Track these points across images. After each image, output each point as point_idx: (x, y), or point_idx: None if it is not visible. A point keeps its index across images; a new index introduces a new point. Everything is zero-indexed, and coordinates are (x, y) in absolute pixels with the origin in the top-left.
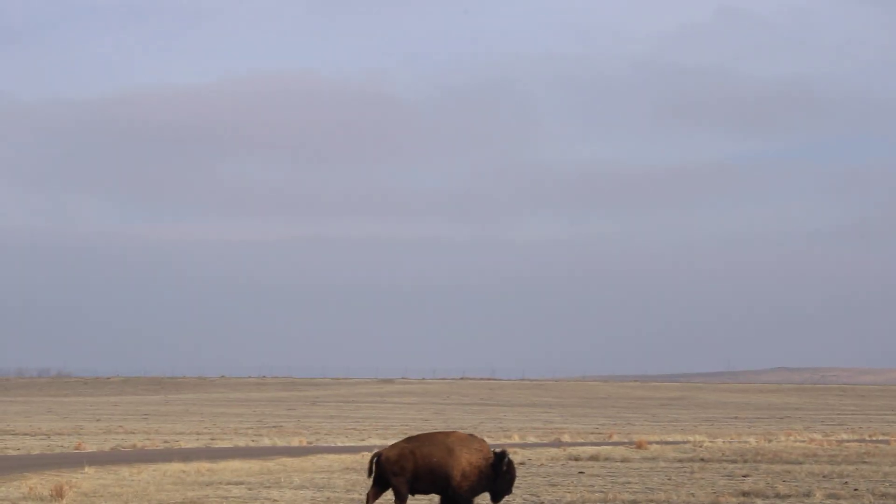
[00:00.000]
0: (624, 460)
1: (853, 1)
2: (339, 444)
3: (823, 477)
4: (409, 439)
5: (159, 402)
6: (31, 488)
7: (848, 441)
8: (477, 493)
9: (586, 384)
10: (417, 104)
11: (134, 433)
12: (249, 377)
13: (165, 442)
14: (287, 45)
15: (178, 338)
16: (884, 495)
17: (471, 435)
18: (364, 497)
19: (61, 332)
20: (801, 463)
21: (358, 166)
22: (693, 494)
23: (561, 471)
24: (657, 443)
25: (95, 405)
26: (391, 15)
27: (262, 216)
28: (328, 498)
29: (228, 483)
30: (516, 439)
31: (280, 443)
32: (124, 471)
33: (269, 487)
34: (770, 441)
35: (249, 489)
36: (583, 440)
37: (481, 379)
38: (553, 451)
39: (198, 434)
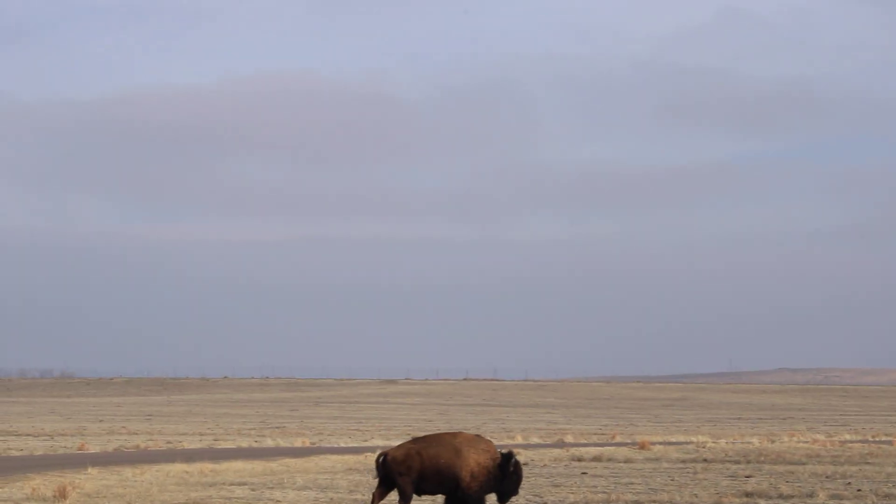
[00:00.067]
0: (627, 461)
1: (853, 1)
2: (343, 445)
3: (826, 478)
4: (416, 440)
5: (162, 403)
6: (34, 489)
7: (851, 442)
8: (486, 493)
9: (589, 385)
10: (418, 104)
11: (137, 434)
12: (252, 378)
13: (168, 443)
14: (287, 45)
15: (181, 338)
16: (887, 496)
17: (477, 435)
18: (367, 497)
19: (64, 333)
20: (804, 464)
21: (359, 166)
22: (696, 495)
23: (564, 471)
24: (660, 443)
25: (98, 406)
26: (391, 15)
27: (263, 216)
28: (331, 499)
29: (231, 484)
30: (519, 440)
31: (283, 443)
32: (127, 471)
33: (272, 488)
34: (773, 442)
35: (252, 490)
36: (586, 441)
37: (484, 380)
38: (556, 451)
39: (201, 435)
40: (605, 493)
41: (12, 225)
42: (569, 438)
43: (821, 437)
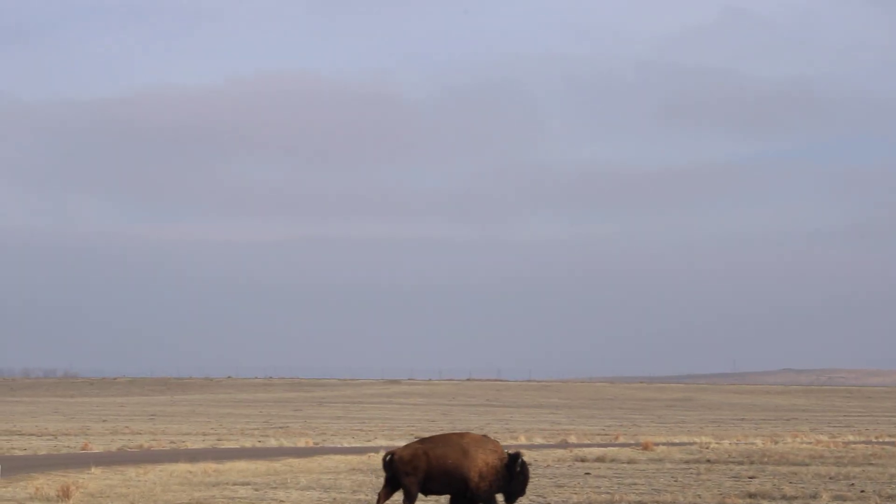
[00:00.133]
0: (630, 462)
1: (854, 2)
2: (346, 445)
3: (830, 479)
4: (423, 440)
5: (165, 403)
6: (37, 489)
7: (854, 443)
8: (495, 493)
9: (592, 385)
10: (418, 104)
11: (140, 434)
12: (256, 378)
13: (172, 442)
14: (287, 45)
15: (185, 338)
16: (890, 497)
17: (484, 436)
18: (371, 498)
19: (67, 333)
20: (807, 465)
21: (360, 167)
22: (699, 496)
23: (567, 472)
24: (663, 444)
25: (102, 406)
26: (392, 15)
27: (265, 216)
28: (334, 499)
29: (235, 484)
30: (523, 440)
31: (286, 443)
32: (131, 471)
33: (275, 488)
34: (776, 443)
35: (256, 490)
36: (589, 441)
37: (487, 380)
38: (559, 452)
39: (204, 435)
40: (608, 493)
41: (14, 225)
42: (572, 439)
43: (824, 438)
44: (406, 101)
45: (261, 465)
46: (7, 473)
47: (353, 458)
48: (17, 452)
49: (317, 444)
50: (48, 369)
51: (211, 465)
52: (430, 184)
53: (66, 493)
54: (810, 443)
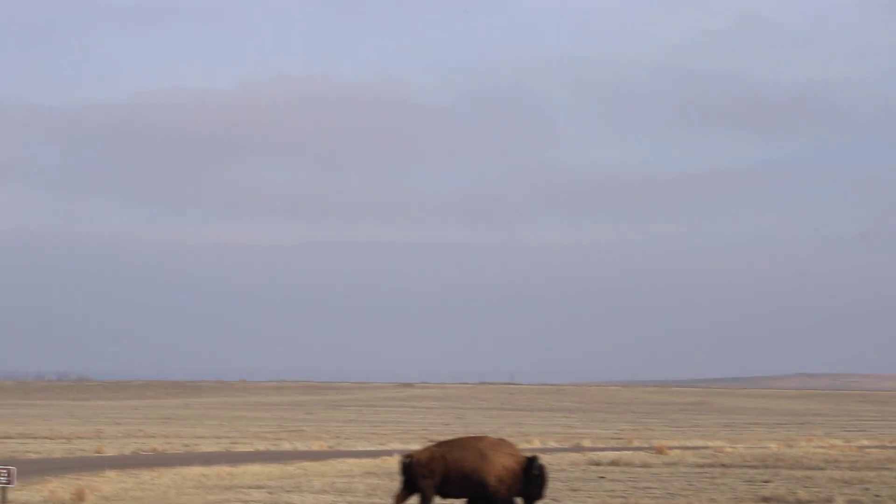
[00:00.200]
0: (644, 465)
1: (871, 7)
2: (360, 449)
3: (844, 483)
4: (441, 444)
5: (179, 406)
6: (51, 492)
7: (869, 447)
8: (514, 496)
9: (606, 389)
10: (431, 108)
11: (154, 437)
12: (269, 381)
13: (186, 446)
14: (300, 49)
15: (198, 342)
16: None
17: (501, 439)
18: (385, 501)
19: (81, 336)
20: (821, 469)
21: (374, 170)
22: (714, 500)
23: (581, 476)
24: (678, 448)
25: (115, 409)
26: (408, 19)
27: (280, 220)
28: (349, 502)
29: (249, 487)
30: (537, 444)
31: (300, 447)
32: (145, 474)
33: (289, 491)
34: (791, 447)
35: (270, 493)
36: (603, 445)
37: (501, 383)
38: (573, 456)
39: (218, 438)
40: (622, 497)
41: (30, 228)
42: (586, 443)
43: (839, 442)
44: (418, 105)
45: (275, 469)
46: (22, 477)
47: (368, 462)
48: (32, 456)
49: (331, 447)
50: (62, 372)
51: (225, 469)
52: (444, 188)
53: (80, 497)
54: (825, 447)
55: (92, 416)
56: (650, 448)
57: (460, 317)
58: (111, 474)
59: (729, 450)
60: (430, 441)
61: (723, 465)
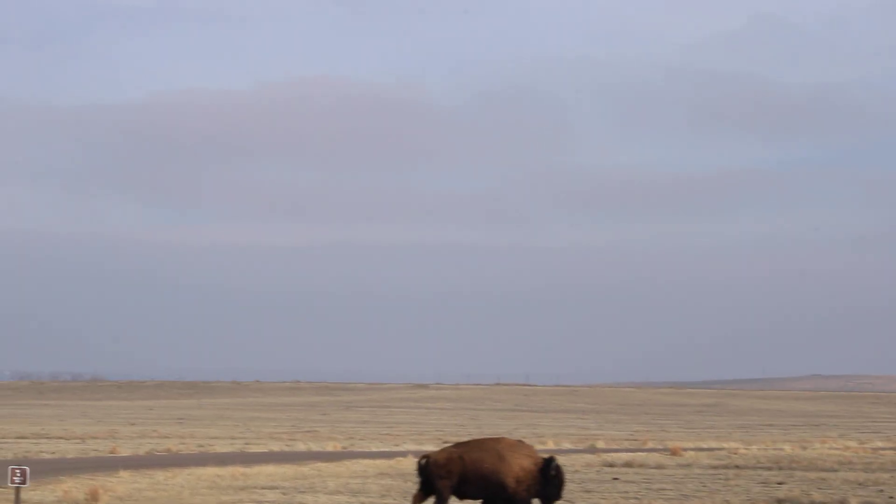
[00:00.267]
0: (658, 467)
1: (885, 8)
2: (374, 450)
3: (859, 485)
4: (458, 445)
5: (193, 407)
6: (65, 492)
7: (883, 449)
8: (532, 496)
9: (621, 390)
10: (447, 109)
11: (168, 437)
12: (284, 382)
13: (200, 446)
14: (315, 50)
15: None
16: None
17: (519, 441)
18: (398, 502)
19: (95, 336)
20: (835, 470)
21: (389, 172)
22: (728, 501)
23: (596, 477)
24: (692, 449)
25: (130, 409)
26: (421, 19)
27: (294, 221)
28: (362, 503)
29: (263, 487)
30: (551, 445)
31: (314, 447)
32: (159, 475)
33: (303, 492)
34: (805, 448)
35: (284, 494)
36: (617, 446)
37: (515, 384)
38: (588, 457)
39: (232, 438)
40: (636, 498)
41: (45, 229)
42: (600, 444)
43: (853, 443)
44: (434, 106)
45: (289, 469)
46: (35, 477)
47: (382, 463)
48: (46, 456)
49: (345, 448)
50: (76, 373)
51: (239, 469)
52: (459, 189)
53: (94, 497)
54: (839, 449)
55: (106, 416)
56: (664, 449)
57: (475, 318)
58: (125, 474)
59: (743, 451)
60: (445, 442)
61: (737, 467)
